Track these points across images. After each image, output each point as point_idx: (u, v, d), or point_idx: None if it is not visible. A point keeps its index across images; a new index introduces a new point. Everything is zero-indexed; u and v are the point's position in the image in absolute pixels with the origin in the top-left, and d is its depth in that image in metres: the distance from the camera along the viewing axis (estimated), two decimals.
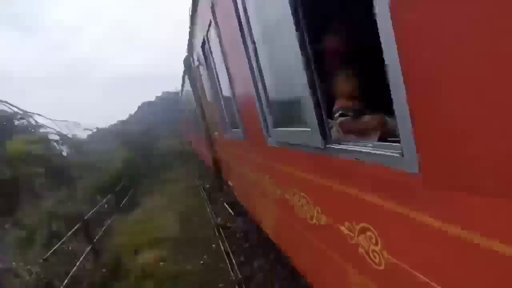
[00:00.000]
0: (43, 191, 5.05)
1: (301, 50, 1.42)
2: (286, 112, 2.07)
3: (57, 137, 4.71)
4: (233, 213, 6.72)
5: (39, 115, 4.56)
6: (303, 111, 1.61)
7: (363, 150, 1.23)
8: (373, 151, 1.17)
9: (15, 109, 4.19)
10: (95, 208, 10.50)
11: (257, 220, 4.04)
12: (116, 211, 11.88)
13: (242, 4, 2.12)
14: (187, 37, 5.58)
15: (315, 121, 1.46)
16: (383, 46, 0.93)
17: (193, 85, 6.65)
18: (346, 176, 1.43)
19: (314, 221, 1.93)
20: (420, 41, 0.82)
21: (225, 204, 8.04)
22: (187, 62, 7.17)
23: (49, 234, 11.48)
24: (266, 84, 2.12)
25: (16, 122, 4.22)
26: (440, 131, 0.84)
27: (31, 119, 4.46)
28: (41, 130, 4.56)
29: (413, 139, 0.91)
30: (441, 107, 0.82)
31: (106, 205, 12.59)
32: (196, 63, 5.22)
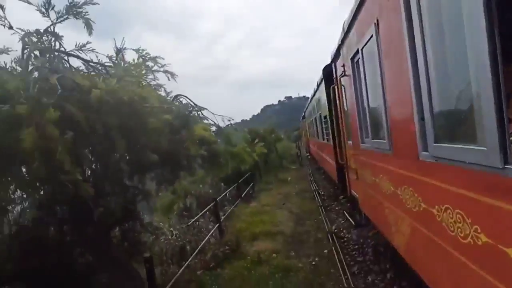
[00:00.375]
0: (198, 170, 6.23)
1: (491, 61, 1.49)
2: (451, 128, 2.10)
3: (214, 128, 5.74)
4: (353, 223, 6.69)
5: (205, 109, 5.67)
6: (479, 127, 1.66)
7: None
8: None
9: (191, 103, 5.36)
10: (224, 193, 11.91)
11: (385, 232, 4.03)
12: (238, 200, 13.19)
13: (418, 21, 2.25)
14: (334, 49, 5.88)
15: (495, 140, 1.51)
16: None
17: (330, 92, 6.91)
18: None
19: (469, 240, 1.93)
20: None
21: (345, 213, 8.04)
22: (327, 71, 7.49)
23: (183, 207, 13.73)
24: (433, 99, 2.20)
25: (192, 114, 5.41)
26: None
27: (199, 112, 5.62)
28: (205, 121, 5.64)
29: None
30: None
31: (228, 193, 14.22)
32: (340, 72, 5.45)
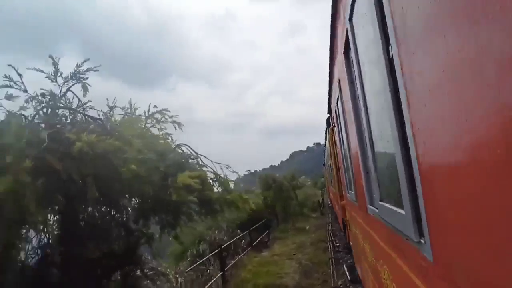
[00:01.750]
0: (194, 216, 6.39)
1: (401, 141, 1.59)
2: (388, 190, 2.19)
3: (212, 175, 5.99)
4: (349, 278, 6.43)
5: (204, 156, 6.02)
6: (403, 196, 1.67)
7: None
8: None
9: (191, 151, 5.75)
10: (232, 240, 11.86)
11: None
12: (248, 248, 13.01)
13: (361, 94, 2.46)
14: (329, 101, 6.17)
15: (410, 214, 1.53)
16: None
17: (329, 143, 7.09)
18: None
19: None
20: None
21: (344, 267, 7.73)
22: (328, 121, 7.73)
23: (196, 253, 13.73)
24: (376, 160, 2.31)
25: (189, 161, 5.77)
26: None
27: (198, 160, 6.01)
28: (203, 168, 5.95)
29: None
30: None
31: (242, 240, 14.13)
32: (332, 124, 5.68)
